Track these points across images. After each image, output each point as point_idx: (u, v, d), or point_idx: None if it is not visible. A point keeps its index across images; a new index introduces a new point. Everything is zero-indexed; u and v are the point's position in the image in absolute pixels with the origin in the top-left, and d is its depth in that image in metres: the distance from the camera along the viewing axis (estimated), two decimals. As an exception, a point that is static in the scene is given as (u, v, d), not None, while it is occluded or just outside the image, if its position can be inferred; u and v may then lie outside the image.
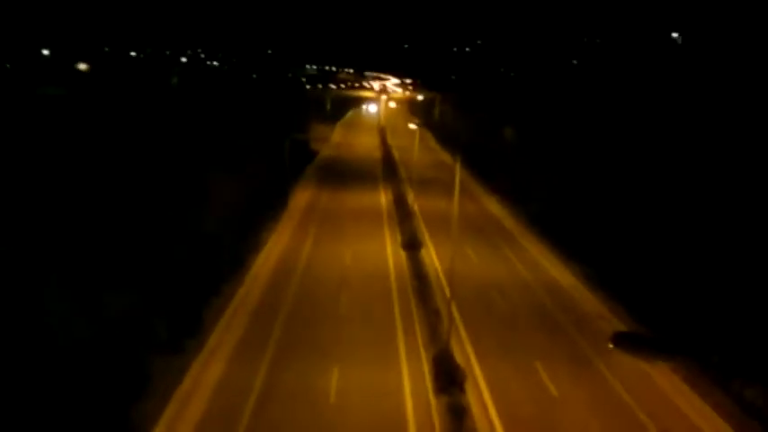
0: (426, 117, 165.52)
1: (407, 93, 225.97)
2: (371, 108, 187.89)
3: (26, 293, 28.51)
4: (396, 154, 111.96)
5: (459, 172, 36.61)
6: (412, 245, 54.00)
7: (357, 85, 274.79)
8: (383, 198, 76.95)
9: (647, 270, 42.75)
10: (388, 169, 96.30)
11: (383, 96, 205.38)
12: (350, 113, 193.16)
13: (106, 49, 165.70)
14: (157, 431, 25.79)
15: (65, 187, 40.76)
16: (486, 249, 55.88)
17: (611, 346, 35.85)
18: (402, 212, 65.89)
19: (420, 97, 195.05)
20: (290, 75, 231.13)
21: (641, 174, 55.55)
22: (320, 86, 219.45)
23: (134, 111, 74.85)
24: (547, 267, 51.64)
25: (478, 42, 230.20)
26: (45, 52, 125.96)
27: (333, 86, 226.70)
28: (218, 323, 36.77)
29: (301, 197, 75.04)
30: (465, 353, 34.58)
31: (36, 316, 27.40)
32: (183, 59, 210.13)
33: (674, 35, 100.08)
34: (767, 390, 30.33)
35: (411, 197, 72.91)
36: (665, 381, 32.82)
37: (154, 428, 25.88)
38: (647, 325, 38.47)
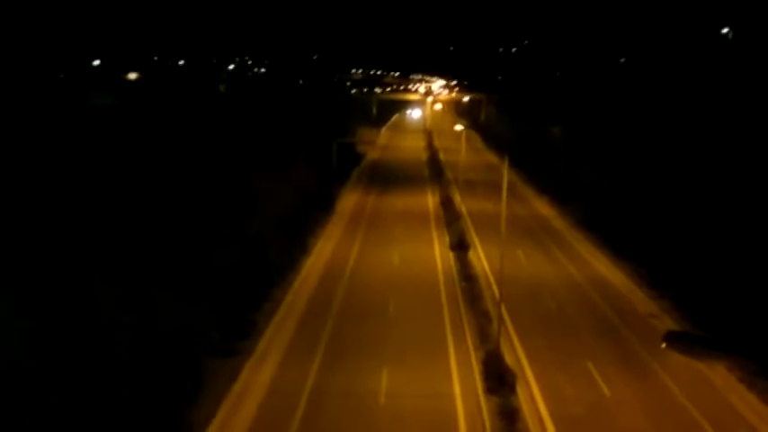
0: (473, 118, 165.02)
1: (453, 94, 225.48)
2: (415, 114, 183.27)
3: (82, 297, 29.05)
4: (442, 156, 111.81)
5: (506, 172, 36.44)
6: (460, 246, 53.88)
7: (403, 87, 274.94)
8: (430, 200, 76.93)
9: (700, 268, 42.05)
10: (435, 171, 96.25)
11: (429, 98, 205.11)
12: (395, 117, 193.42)
13: (155, 59, 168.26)
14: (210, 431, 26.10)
15: (118, 194, 41.48)
16: (535, 250, 55.54)
17: (663, 345, 35.33)
18: (449, 214, 65.79)
19: (466, 99, 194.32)
20: (335, 79, 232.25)
21: (692, 172, 54.69)
22: (366, 90, 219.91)
23: (183, 118, 75.87)
24: (597, 267, 51.13)
25: (525, 42, 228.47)
26: (95, 62, 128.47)
27: (378, 90, 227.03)
28: (269, 326, 37.09)
29: (348, 200, 75.36)
30: (515, 354, 34.39)
31: (92, 320, 27.91)
32: (231, 66, 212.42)
33: (725, 30, 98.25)
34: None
35: (458, 198, 72.76)
36: (720, 380, 32.25)
37: (208, 429, 26.18)
38: (699, 324, 37.85)
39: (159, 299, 31.65)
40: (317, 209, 64.12)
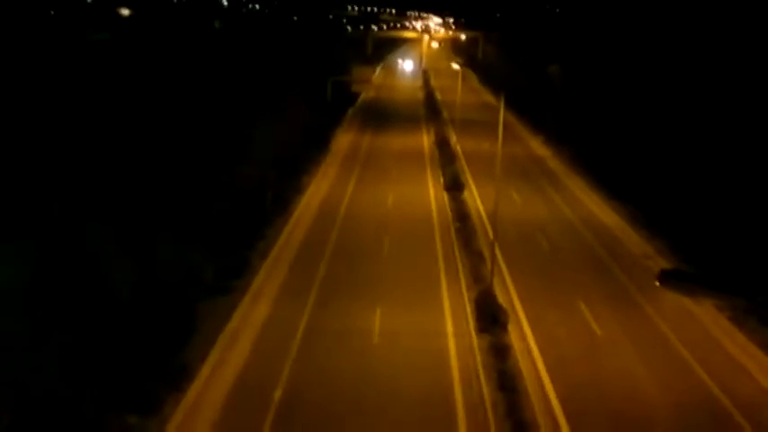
0: (470, 57, 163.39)
1: (450, 32, 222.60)
2: (407, 66, 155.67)
3: (81, 240, 29.02)
4: (438, 95, 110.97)
5: (502, 112, 36.17)
6: (455, 186, 53.80)
7: (399, 25, 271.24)
8: (425, 140, 76.59)
9: (694, 209, 42.10)
10: (431, 110, 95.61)
11: (426, 36, 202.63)
12: (391, 56, 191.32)
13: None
14: (205, 371, 26.31)
15: (116, 134, 41.23)
16: (529, 190, 55.51)
17: (657, 283, 35.57)
18: (445, 154, 65.54)
19: (463, 37, 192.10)
20: (330, 16, 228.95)
21: (689, 109, 54.36)
22: (362, 28, 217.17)
23: (177, 55, 74.96)
24: (591, 207, 51.18)
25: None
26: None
27: (374, 27, 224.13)
28: (263, 265, 37.18)
29: (343, 139, 75.00)
30: (508, 293, 34.60)
31: (91, 263, 27.94)
32: (225, 2, 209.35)
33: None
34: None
35: (454, 139, 72.42)
36: (710, 319, 32.54)
37: (201, 368, 26.42)
38: (693, 264, 38.03)
39: (157, 240, 31.65)
40: (311, 148, 63.82)
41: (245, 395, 24.93)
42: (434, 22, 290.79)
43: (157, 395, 23.90)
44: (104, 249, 28.80)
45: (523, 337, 30.11)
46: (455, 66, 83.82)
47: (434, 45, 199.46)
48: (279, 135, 54.07)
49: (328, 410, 24.03)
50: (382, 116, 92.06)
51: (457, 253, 40.19)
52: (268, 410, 23.90)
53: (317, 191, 53.45)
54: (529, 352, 28.76)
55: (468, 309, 32.42)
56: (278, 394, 24.96)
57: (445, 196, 52.55)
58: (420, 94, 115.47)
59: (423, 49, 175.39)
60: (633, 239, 43.84)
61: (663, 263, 39.05)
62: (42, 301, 24.24)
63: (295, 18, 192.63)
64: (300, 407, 24.21)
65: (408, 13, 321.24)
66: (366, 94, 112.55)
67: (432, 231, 44.50)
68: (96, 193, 34.04)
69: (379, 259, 39.08)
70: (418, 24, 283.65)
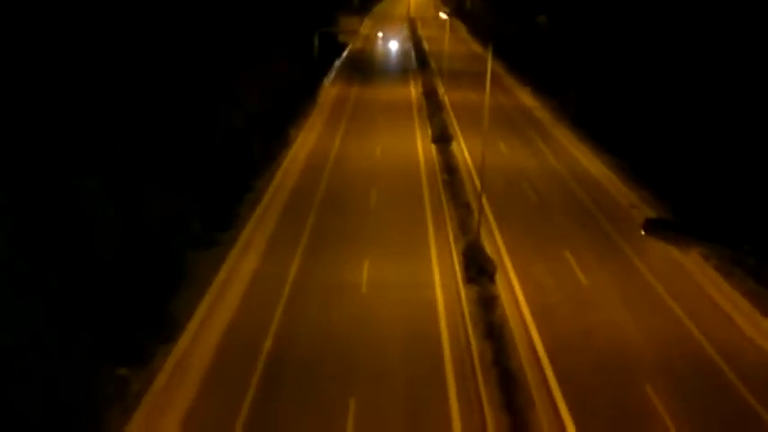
0: (458, 6, 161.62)
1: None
2: (392, 45, 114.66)
3: (68, 189, 28.71)
4: (426, 45, 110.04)
5: (490, 63, 35.92)
6: (442, 138, 53.65)
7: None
8: (413, 91, 76.14)
9: (681, 159, 42.17)
10: (419, 61, 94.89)
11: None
12: (379, 6, 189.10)
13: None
14: (194, 322, 26.43)
15: (98, 83, 40.61)
16: (517, 141, 55.45)
17: (642, 232, 35.78)
18: (433, 105, 65.24)
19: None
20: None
21: (675, 59, 54.07)
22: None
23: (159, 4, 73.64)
24: (579, 158, 51.23)
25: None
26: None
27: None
28: (251, 217, 37.17)
29: (330, 91, 74.50)
30: (495, 244, 34.75)
31: (77, 212, 27.71)
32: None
33: None
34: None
35: (442, 90, 72.01)
36: (696, 268, 32.83)
37: (190, 319, 26.53)
38: (679, 214, 38.24)
39: (145, 191, 31.44)
40: (298, 100, 63.34)
41: (235, 346, 25.09)
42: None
43: (147, 347, 24.03)
44: (90, 198, 28.55)
45: (510, 287, 30.32)
46: (443, 15, 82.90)
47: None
48: (265, 87, 53.61)
49: (317, 361, 24.23)
50: (369, 67, 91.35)
51: (444, 204, 40.24)
52: (257, 361, 24.08)
53: (304, 143, 53.23)
54: (516, 302, 28.99)
55: (456, 260, 32.58)
56: (267, 345, 25.13)
57: (433, 148, 52.42)
58: (407, 45, 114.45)
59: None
60: (620, 190, 43.99)
61: (649, 213, 39.25)
62: (27, 251, 24.03)
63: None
64: (290, 357, 24.41)
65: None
66: (353, 45, 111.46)
67: (419, 183, 44.48)
68: (82, 140, 33.64)
69: (367, 211, 39.10)
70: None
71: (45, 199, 27.07)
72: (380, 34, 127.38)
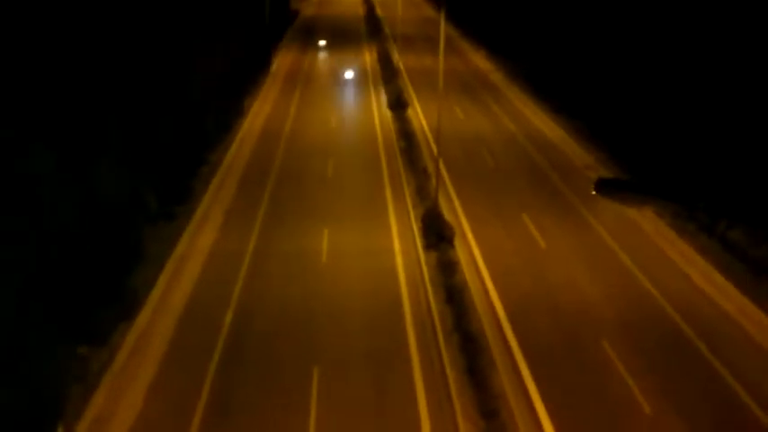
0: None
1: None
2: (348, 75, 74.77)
3: (19, 162, 28.10)
4: (380, 11, 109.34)
5: (443, 27, 35.80)
6: (398, 104, 53.52)
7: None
8: (368, 57, 75.71)
9: (635, 120, 42.62)
10: (372, 27, 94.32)
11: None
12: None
13: None
14: (153, 297, 26.25)
15: (54, 51, 39.67)
16: (472, 105, 55.55)
17: (593, 192, 36.08)
18: (387, 71, 64.97)
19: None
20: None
21: (627, 18, 54.38)
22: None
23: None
24: (534, 121, 51.51)
25: None
26: None
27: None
28: (207, 190, 36.86)
29: (284, 60, 73.82)
30: (454, 209, 34.92)
31: (31, 187, 27.15)
32: None
33: None
34: (750, 231, 30.90)
35: (396, 56, 71.72)
36: (650, 226, 33.36)
37: (150, 295, 26.35)
38: (634, 174, 38.73)
39: (99, 166, 30.87)
40: (251, 70, 62.62)
41: (196, 320, 25.00)
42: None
43: (106, 324, 23.81)
44: (45, 171, 27.96)
45: (470, 251, 30.55)
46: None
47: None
48: (220, 57, 52.87)
49: (279, 331, 24.25)
50: (323, 34, 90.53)
51: (402, 171, 40.27)
52: (219, 334, 24.04)
53: (259, 113, 52.78)
54: (475, 266, 29.24)
55: (415, 226, 32.70)
56: (228, 318, 25.08)
57: (389, 114, 52.31)
58: (361, 11, 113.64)
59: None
60: (576, 152, 44.38)
61: (605, 173, 39.70)
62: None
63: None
64: (251, 329, 24.39)
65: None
66: (306, 12, 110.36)
67: (376, 150, 44.41)
68: (32, 112, 32.86)
69: (324, 180, 38.99)
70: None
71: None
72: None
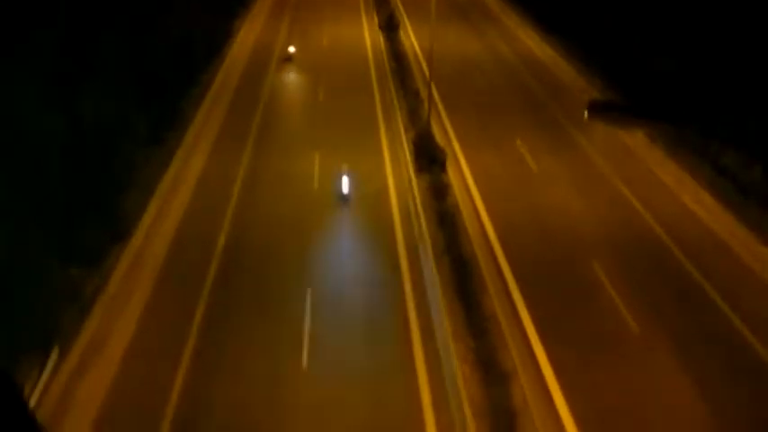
0: None
1: None
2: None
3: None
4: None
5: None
6: (389, 25, 52.74)
7: None
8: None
9: (628, 41, 42.11)
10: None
11: None
12: None
13: None
14: (145, 221, 26.21)
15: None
16: (464, 27, 54.79)
17: (586, 115, 35.86)
18: (379, -8, 63.82)
19: None
20: None
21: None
22: None
23: None
24: (527, 43, 50.92)
25: None
26: None
27: None
28: (197, 114, 36.50)
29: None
30: (446, 133, 34.75)
31: (12, 113, 26.82)
32: None
33: None
34: (741, 153, 30.86)
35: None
36: (643, 149, 33.32)
37: (142, 218, 26.30)
38: (627, 96, 38.44)
39: (82, 90, 30.46)
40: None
41: (188, 243, 25.06)
42: None
43: (99, 247, 23.81)
44: (25, 93, 27.47)
45: (462, 175, 30.52)
46: None
47: None
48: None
49: (272, 255, 24.36)
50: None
51: (394, 94, 39.91)
52: (212, 257, 24.13)
53: (248, 35, 51.94)
54: (467, 189, 29.24)
55: (407, 150, 32.56)
56: (221, 241, 25.14)
57: (381, 36, 51.58)
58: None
59: None
60: (569, 74, 43.97)
61: (598, 96, 39.40)
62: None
63: None
64: (244, 253, 24.49)
65: None
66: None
67: (368, 73, 43.94)
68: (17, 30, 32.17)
69: (315, 103, 38.66)
70: None
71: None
72: None
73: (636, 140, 34.13)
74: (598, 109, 35.73)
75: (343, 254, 24.58)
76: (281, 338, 20.01)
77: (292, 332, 20.26)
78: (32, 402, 17.41)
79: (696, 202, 28.53)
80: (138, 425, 16.96)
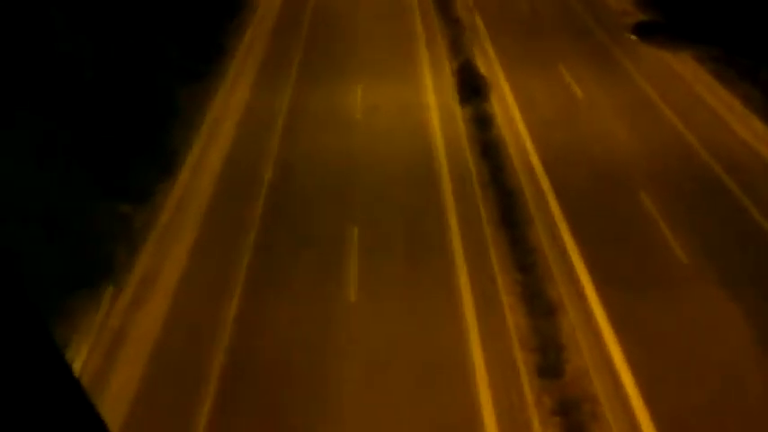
0: None
1: None
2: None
3: (35, 25, 27.52)
4: None
5: None
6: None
7: None
8: None
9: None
10: None
11: None
12: None
13: None
14: (192, 157, 26.47)
15: None
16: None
17: (633, 37, 35.01)
18: None
19: None
20: None
21: None
22: None
23: None
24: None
25: None
26: None
27: None
28: (239, 48, 36.41)
29: None
30: (489, 61, 34.23)
31: (48, 51, 26.70)
32: None
33: None
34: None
35: None
36: (690, 73, 32.49)
37: (188, 154, 26.56)
38: (673, 18, 37.39)
39: (120, 23, 30.33)
40: None
41: (235, 179, 25.29)
42: None
43: (147, 183, 24.13)
44: (58, 25, 27.19)
45: (506, 104, 30.16)
46: None
47: None
48: None
49: (318, 189, 24.48)
50: None
51: (435, 22, 39.27)
52: (259, 193, 24.33)
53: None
54: (511, 119, 28.93)
55: (450, 80, 32.20)
56: (267, 175, 25.31)
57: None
58: None
59: None
60: (614, -3, 42.83)
61: (642, 18, 38.38)
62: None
63: None
64: (290, 187, 24.66)
65: None
66: None
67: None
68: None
69: (355, 34, 38.23)
70: None
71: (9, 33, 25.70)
72: None
73: (684, 65, 33.29)
74: (644, 30, 34.84)
75: (387, 185, 24.58)
76: (328, 272, 20.30)
77: (339, 264, 20.53)
78: (91, 337, 17.97)
79: (747, 127, 27.91)
80: (193, 354, 17.42)
